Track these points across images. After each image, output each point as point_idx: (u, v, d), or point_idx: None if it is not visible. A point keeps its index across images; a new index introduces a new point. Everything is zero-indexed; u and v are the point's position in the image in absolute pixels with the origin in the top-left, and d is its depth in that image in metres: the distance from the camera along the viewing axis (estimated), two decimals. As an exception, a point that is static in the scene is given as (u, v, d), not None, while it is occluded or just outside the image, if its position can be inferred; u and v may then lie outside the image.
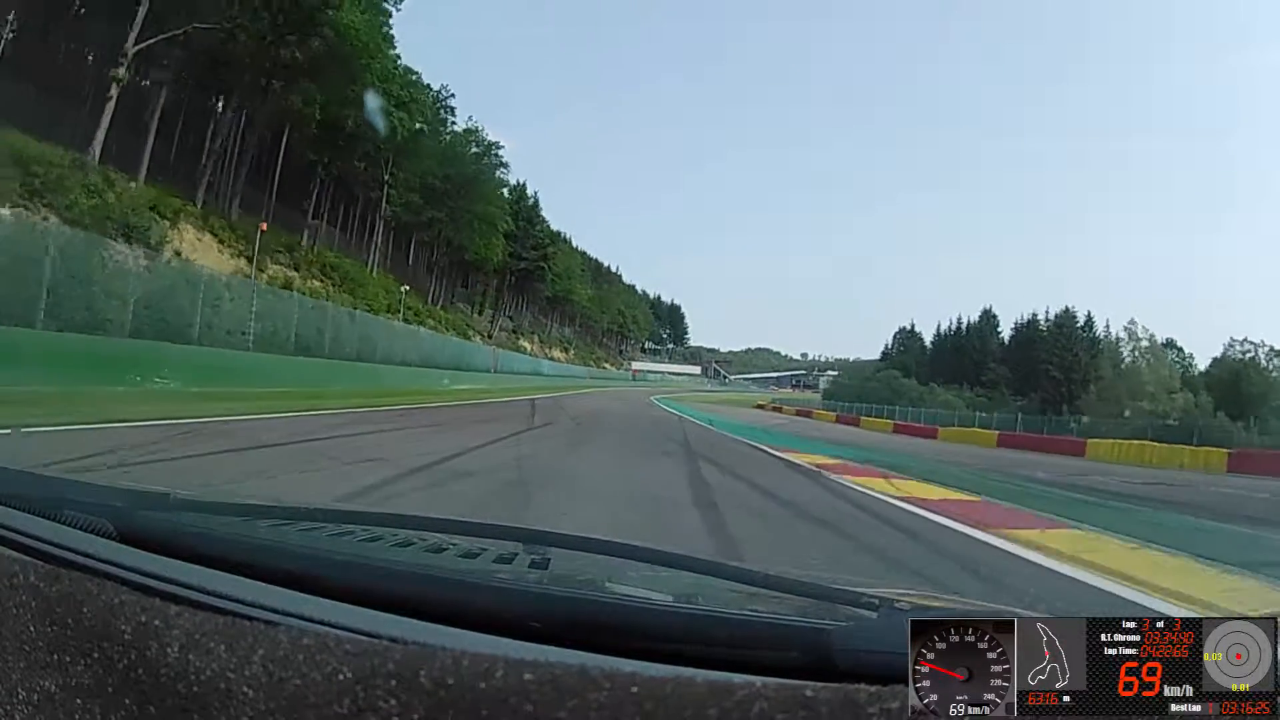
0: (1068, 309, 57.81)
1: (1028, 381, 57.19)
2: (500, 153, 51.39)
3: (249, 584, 0.61)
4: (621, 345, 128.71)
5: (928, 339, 74.21)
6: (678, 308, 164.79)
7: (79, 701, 0.47)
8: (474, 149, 49.23)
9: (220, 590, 0.59)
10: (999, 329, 68.32)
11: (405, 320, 33.72)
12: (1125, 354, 47.88)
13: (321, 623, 0.54)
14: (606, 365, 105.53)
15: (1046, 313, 62.48)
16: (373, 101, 31.22)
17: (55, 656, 0.50)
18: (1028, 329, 65.12)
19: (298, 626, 0.51)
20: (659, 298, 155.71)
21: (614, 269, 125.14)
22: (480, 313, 60.18)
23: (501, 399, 22.22)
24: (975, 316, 69.88)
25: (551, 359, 72.70)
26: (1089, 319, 57.91)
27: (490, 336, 55.89)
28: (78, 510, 0.74)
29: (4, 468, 0.94)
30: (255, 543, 0.76)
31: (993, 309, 69.55)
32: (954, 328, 71.44)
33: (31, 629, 0.52)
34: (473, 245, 49.49)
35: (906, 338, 75.33)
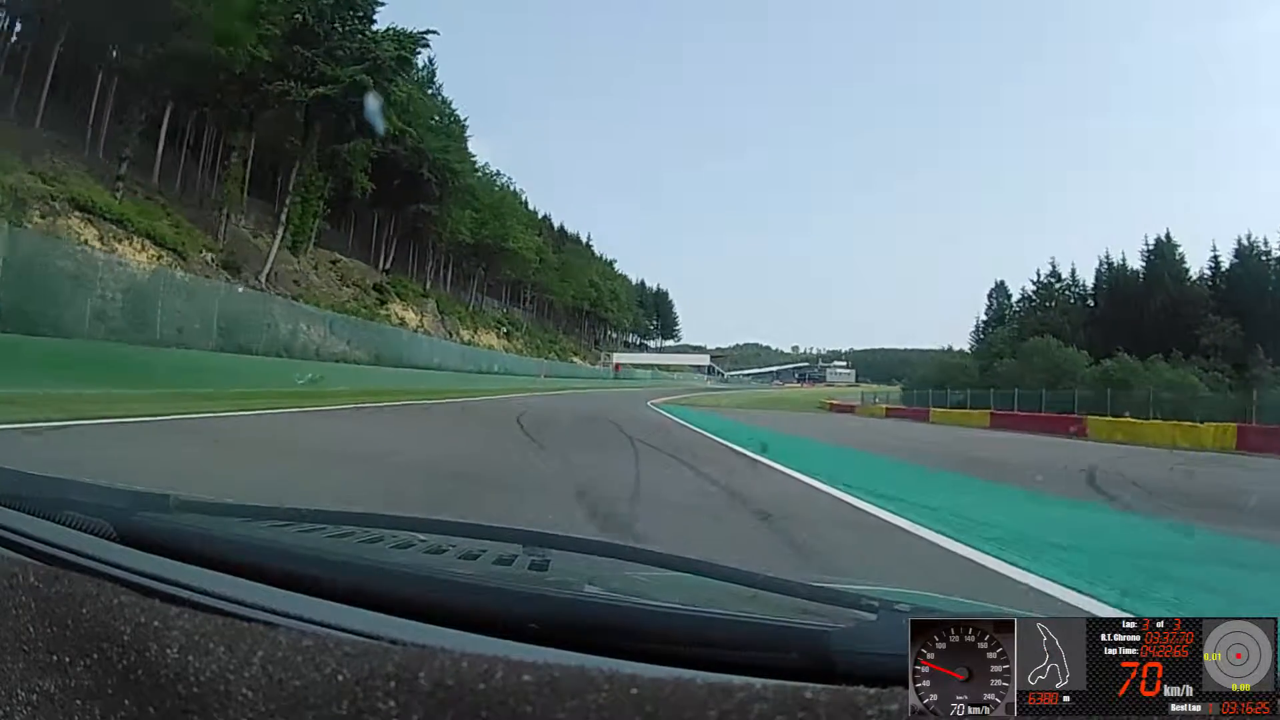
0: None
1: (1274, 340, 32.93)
2: None
3: (249, 585, 0.61)
4: (598, 334, 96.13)
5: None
6: (665, 294, 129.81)
7: (78, 702, 0.47)
8: None
9: (220, 591, 0.59)
10: (1187, 269, 43.41)
11: None
12: None
13: (321, 624, 0.53)
14: (576, 359, 74.97)
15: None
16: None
17: (55, 657, 0.50)
18: (1244, 260, 40.04)
19: (297, 628, 0.51)
20: (643, 283, 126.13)
21: (585, 239, 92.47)
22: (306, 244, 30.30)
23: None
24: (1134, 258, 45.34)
25: (478, 345, 45.31)
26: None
27: (265, 277, 26.28)
28: (77, 511, 0.74)
29: (3, 468, 0.93)
30: (255, 544, 0.75)
31: (1170, 235, 44.87)
32: (1106, 268, 46.47)
33: (31, 629, 0.52)
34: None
35: (1042, 291, 49.60)
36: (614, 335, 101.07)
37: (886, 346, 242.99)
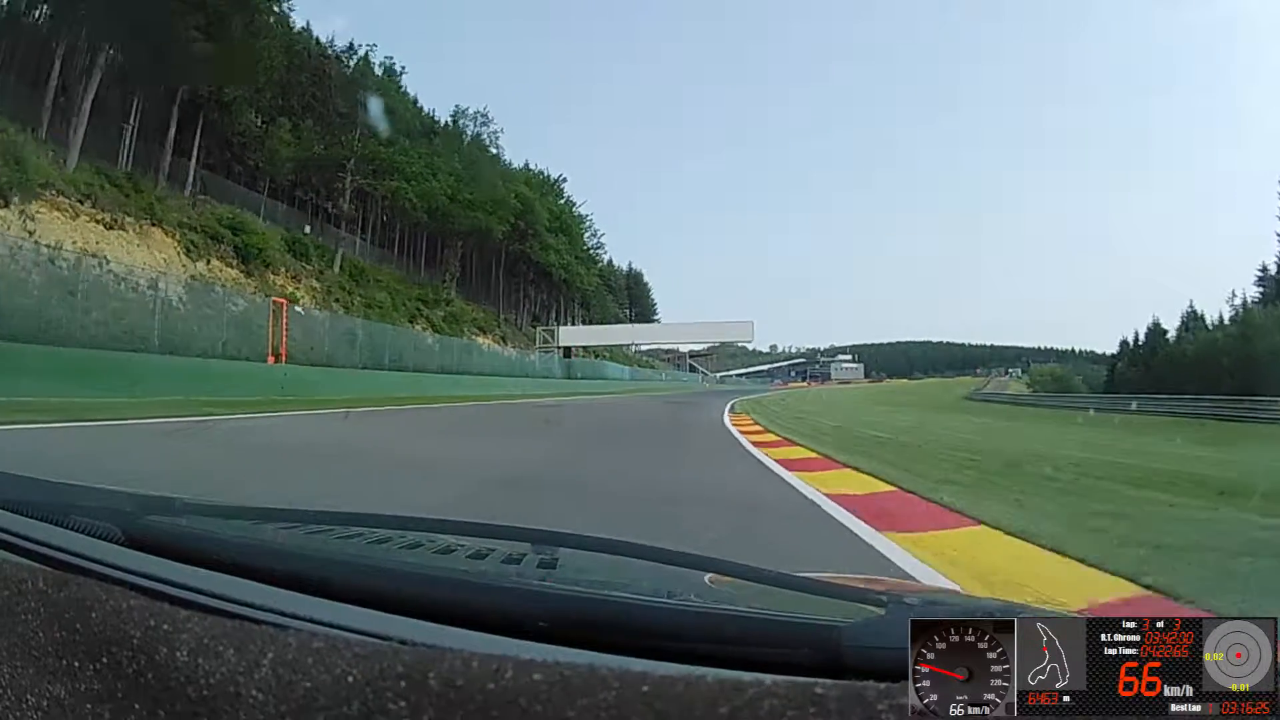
0: None
1: None
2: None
3: (257, 587, 0.61)
4: (542, 301, 56.09)
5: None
6: (639, 275, 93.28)
7: (88, 707, 0.47)
8: None
9: (229, 594, 0.59)
10: None
11: None
12: None
13: (330, 625, 0.54)
14: (484, 338, 37.49)
15: None
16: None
17: (64, 662, 0.50)
18: None
19: (307, 629, 0.51)
20: (611, 262, 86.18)
21: (530, 169, 49.41)
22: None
23: None
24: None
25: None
26: None
27: None
28: (85, 515, 0.74)
29: (11, 474, 0.93)
30: (263, 546, 0.76)
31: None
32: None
33: (40, 635, 0.52)
34: None
35: None
36: (570, 299, 59.29)
37: (885, 341, 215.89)
